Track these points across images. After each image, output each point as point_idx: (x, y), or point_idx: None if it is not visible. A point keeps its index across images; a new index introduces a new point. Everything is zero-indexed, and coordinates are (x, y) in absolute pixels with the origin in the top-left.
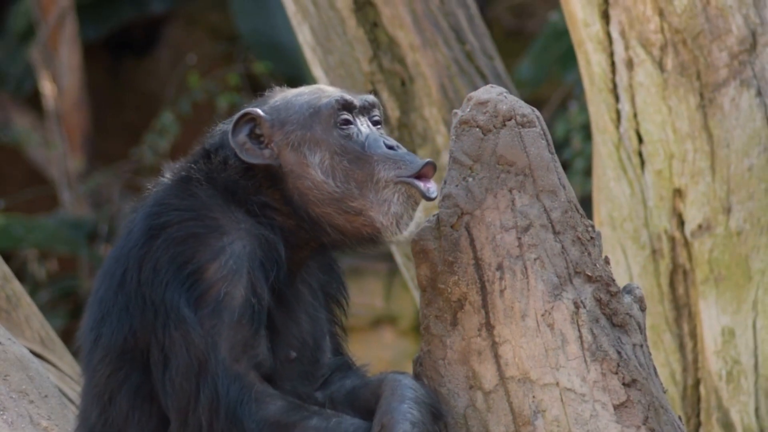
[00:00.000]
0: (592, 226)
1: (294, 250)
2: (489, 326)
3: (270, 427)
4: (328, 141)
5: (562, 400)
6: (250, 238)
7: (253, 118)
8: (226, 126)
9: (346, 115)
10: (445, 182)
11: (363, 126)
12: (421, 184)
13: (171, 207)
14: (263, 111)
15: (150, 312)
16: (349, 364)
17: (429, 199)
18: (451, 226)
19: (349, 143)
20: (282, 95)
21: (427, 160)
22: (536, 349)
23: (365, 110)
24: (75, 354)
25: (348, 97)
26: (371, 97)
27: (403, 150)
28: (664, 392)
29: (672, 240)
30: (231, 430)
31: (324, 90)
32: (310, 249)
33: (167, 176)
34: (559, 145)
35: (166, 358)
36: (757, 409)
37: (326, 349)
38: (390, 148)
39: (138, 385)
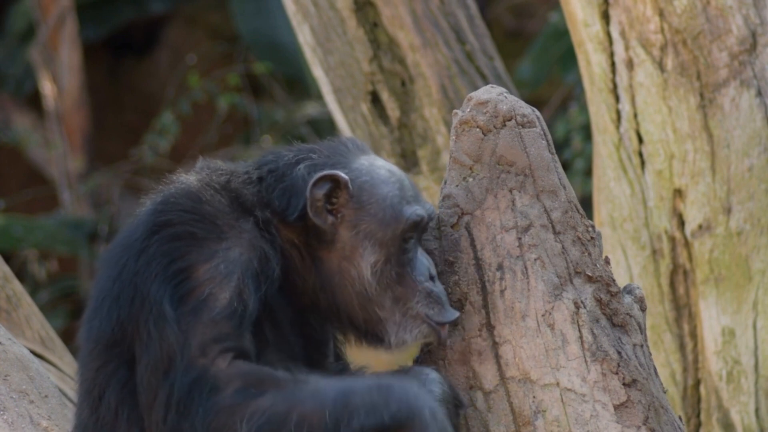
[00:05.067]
0: (593, 227)
1: (295, 291)
2: (489, 326)
3: (217, 416)
4: (389, 248)
5: (562, 401)
6: (249, 248)
7: (338, 182)
8: (296, 159)
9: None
10: (445, 182)
11: (416, 244)
12: (443, 333)
13: (177, 207)
14: (351, 183)
15: (137, 303)
16: (349, 367)
17: (441, 344)
18: (451, 226)
19: (403, 258)
20: (368, 166)
21: (458, 314)
22: (536, 349)
23: (426, 226)
24: (75, 354)
25: (425, 216)
26: (435, 212)
27: (439, 287)
28: (665, 392)
29: (672, 240)
30: (180, 423)
31: (404, 186)
32: (308, 301)
33: (184, 177)
34: (560, 146)
35: (142, 353)
36: (757, 410)
37: (329, 354)
38: (431, 278)
39: (125, 381)
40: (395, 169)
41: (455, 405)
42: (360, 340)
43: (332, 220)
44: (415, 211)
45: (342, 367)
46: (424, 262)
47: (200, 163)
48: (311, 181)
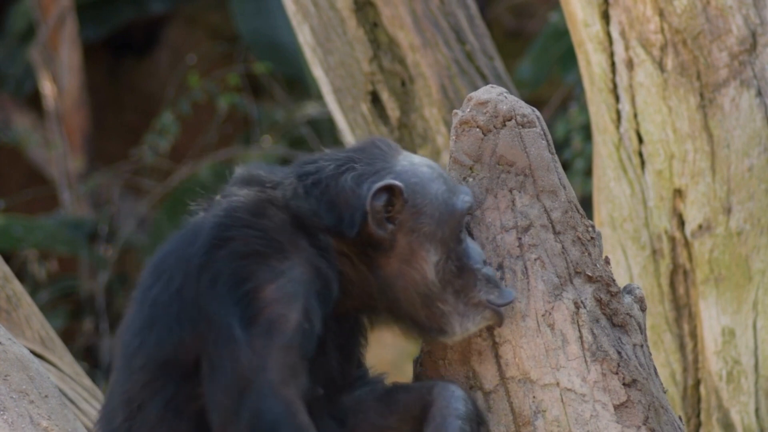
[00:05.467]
0: (593, 227)
1: (345, 296)
2: (489, 326)
3: None
4: (448, 245)
5: (562, 401)
6: (310, 268)
7: (393, 190)
8: (339, 169)
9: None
10: None
11: (465, 232)
12: (503, 314)
13: (241, 222)
14: (404, 190)
15: (203, 324)
16: (368, 375)
17: (501, 326)
18: None
19: (460, 249)
20: (410, 166)
21: (514, 293)
22: (536, 349)
23: None
24: (75, 354)
25: (472, 201)
26: (472, 193)
27: (491, 270)
28: (665, 392)
29: (672, 240)
30: None
31: (445, 178)
32: (359, 304)
33: (246, 188)
34: (560, 146)
35: (212, 373)
36: (757, 410)
37: (355, 361)
38: (485, 262)
39: (170, 398)
40: (431, 162)
41: (478, 423)
42: (422, 335)
43: (391, 228)
44: (463, 200)
45: (362, 374)
46: (476, 248)
47: (242, 172)
48: (370, 194)
